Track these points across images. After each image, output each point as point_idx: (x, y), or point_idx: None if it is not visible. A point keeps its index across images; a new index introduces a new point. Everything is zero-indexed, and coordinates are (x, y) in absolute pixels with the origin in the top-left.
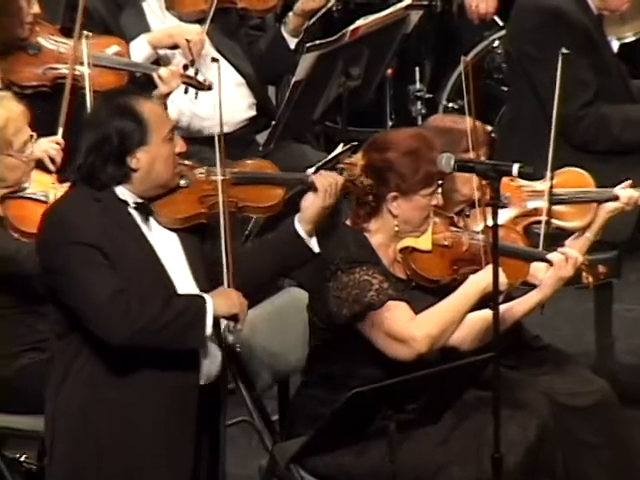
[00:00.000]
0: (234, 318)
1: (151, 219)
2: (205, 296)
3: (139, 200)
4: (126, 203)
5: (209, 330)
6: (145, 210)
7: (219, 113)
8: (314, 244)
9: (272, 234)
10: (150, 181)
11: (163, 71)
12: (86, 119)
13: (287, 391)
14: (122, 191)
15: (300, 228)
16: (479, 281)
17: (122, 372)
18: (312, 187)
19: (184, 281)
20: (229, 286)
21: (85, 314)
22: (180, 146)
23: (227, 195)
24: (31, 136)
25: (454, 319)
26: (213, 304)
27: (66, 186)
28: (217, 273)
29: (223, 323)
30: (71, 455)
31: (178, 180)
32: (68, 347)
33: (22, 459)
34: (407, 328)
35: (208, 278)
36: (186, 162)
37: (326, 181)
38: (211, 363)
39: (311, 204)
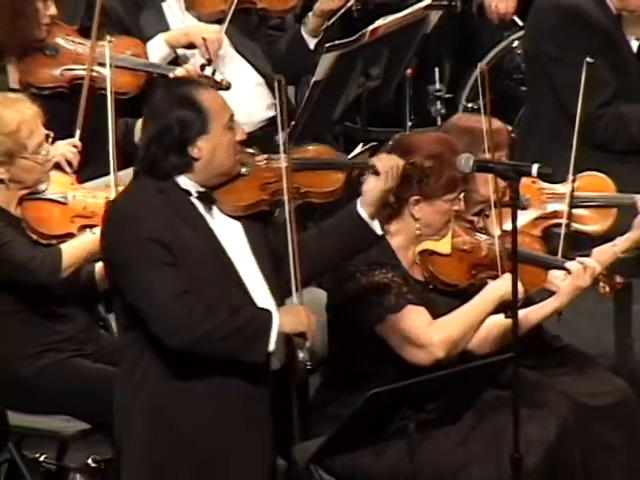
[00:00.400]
0: (302, 335)
1: (214, 208)
2: (273, 311)
3: (201, 189)
4: (188, 193)
5: (272, 346)
6: (207, 199)
7: (279, 104)
8: (377, 226)
9: (333, 219)
10: (212, 169)
11: (179, 71)
12: (147, 110)
13: (306, 392)
14: (184, 181)
15: (362, 211)
16: (497, 288)
17: (192, 364)
18: (373, 170)
19: (249, 269)
20: (295, 273)
21: (146, 314)
22: (240, 134)
23: (289, 181)
24: (47, 136)
25: (472, 325)
26: (279, 320)
27: (85, 186)
28: (282, 261)
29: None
30: (149, 451)
31: (239, 168)
32: (134, 342)
33: (41, 459)
34: (425, 333)
35: (273, 265)
36: (247, 150)
37: (387, 164)
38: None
39: (373, 187)
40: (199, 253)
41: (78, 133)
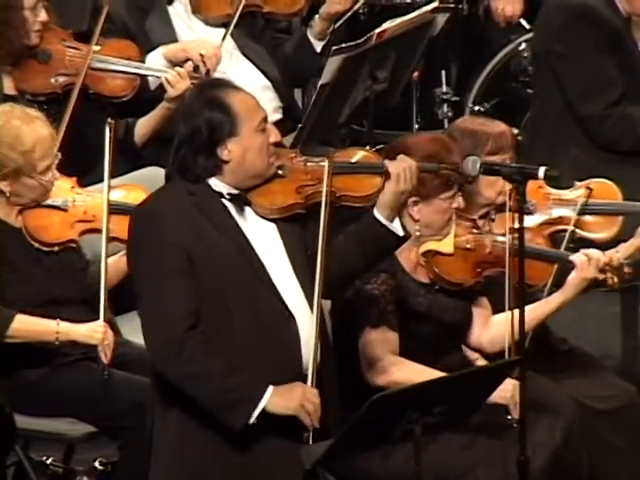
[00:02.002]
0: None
1: (247, 209)
2: (269, 388)
3: (234, 191)
4: (220, 194)
5: (253, 419)
6: (240, 201)
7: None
8: (397, 227)
9: (355, 225)
10: (243, 172)
11: (170, 75)
12: (179, 112)
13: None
14: (216, 182)
15: (379, 215)
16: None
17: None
18: (385, 173)
19: (283, 273)
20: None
21: (144, 331)
22: (275, 135)
23: (329, 184)
24: (56, 156)
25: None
26: (270, 399)
27: (87, 190)
28: (313, 266)
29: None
30: (181, 452)
31: (274, 170)
32: None
33: (48, 462)
34: (383, 360)
35: (309, 268)
36: (286, 150)
37: (399, 166)
38: (308, 348)
39: (386, 190)
40: (227, 256)
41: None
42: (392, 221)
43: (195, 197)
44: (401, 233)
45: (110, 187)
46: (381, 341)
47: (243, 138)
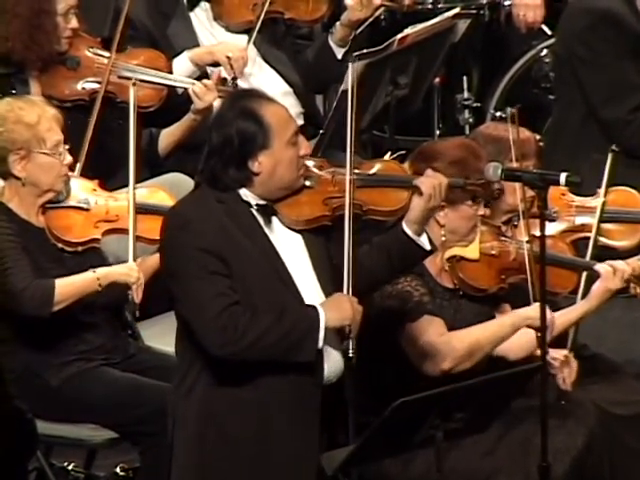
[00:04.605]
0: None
1: (275, 220)
2: (318, 308)
3: (261, 202)
4: (249, 204)
5: (321, 343)
6: (268, 212)
7: (349, 114)
8: (425, 242)
9: (382, 236)
10: (272, 184)
11: (197, 87)
12: (212, 121)
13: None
14: (244, 192)
15: (407, 228)
16: (521, 314)
17: (241, 372)
18: (417, 190)
19: (307, 283)
20: (348, 290)
21: (193, 325)
22: (305, 148)
23: (352, 198)
24: (64, 144)
25: (485, 345)
26: (325, 317)
27: (108, 192)
28: (337, 276)
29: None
30: (197, 452)
31: (302, 182)
32: (186, 350)
33: (69, 467)
34: (437, 345)
35: (333, 279)
36: (315, 161)
37: (430, 183)
38: (332, 364)
39: (416, 205)
40: (256, 264)
41: (79, 167)
42: (420, 235)
43: (224, 205)
44: (428, 247)
45: (135, 178)
46: (426, 329)
47: (275, 151)
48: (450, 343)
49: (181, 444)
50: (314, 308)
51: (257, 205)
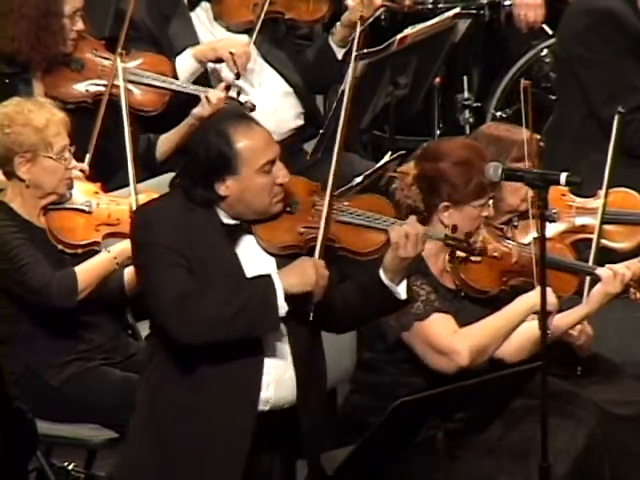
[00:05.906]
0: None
1: (249, 239)
2: (273, 276)
3: (232, 222)
4: (221, 221)
5: (282, 311)
6: (238, 231)
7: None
8: (400, 291)
9: (361, 275)
10: (240, 209)
11: (212, 95)
12: (192, 136)
13: (335, 400)
14: (217, 209)
15: (383, 275)
16: (527, 301)
17: (189, 376)
18: (388, 238)
19: None
20: (320, 254)
21: (155, 315)
22: (283, 177)
23: (328, 232)
24: (70, 147)
25: (498, 335)
26: (286, 283)
27: (111, 195)
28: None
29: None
30: (139, 452)
31: (279, 208)
32: (150, 348)
33: (70, 468)
34: (450, 341)
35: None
36: (307, 183)
37: (399, 232)
38: (281, 387)
39: (388, 252)
40: (215, 274)
41: (88, 157)
42: (398, 283)
43: (195, 213)
44: (403, 297)
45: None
46: (438, 327)
47: (243, 177)
48: (466, 338)
49: (132, 430)
50: (268, 276)
51: (227, 224)
